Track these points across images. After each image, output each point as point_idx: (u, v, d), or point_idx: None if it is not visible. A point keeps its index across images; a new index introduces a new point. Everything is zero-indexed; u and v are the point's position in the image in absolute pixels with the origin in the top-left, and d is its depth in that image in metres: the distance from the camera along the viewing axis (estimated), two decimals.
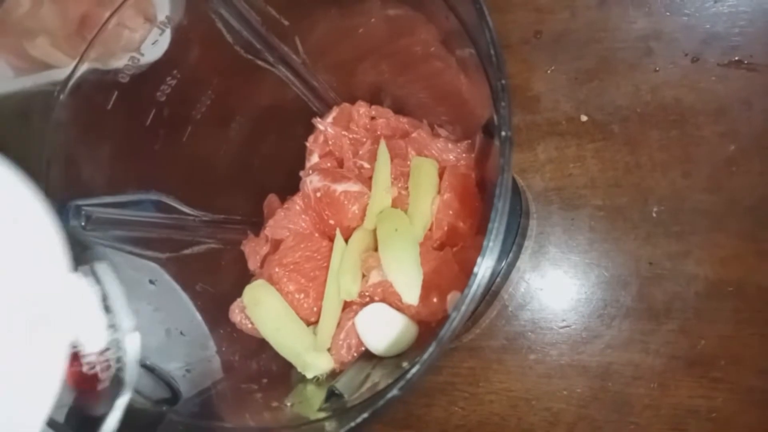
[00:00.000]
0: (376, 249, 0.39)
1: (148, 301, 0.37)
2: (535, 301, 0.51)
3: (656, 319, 0.47)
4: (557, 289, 0.51)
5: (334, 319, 0.38)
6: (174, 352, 0.32)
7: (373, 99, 0.47)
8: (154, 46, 0.39)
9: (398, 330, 0.35)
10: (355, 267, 0.38)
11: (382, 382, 0.31)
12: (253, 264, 0.45)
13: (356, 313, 0.37)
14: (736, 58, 0.48)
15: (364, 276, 0.38)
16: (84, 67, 0.38)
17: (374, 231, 0.39)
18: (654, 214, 0.49)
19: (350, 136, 0.45)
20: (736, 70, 0.48)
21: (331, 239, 0.41)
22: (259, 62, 0.42)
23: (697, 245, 0.47)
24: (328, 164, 0.45)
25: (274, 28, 0.41)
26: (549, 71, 0.53)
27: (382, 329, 0.36)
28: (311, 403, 0.34)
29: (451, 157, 0.41)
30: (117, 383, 0.25)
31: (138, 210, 0.40)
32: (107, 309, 0.25)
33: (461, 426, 0.51)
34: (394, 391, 0.21)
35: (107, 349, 0.25)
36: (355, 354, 0.37)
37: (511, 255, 0.47)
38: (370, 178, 0.42)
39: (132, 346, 0.25)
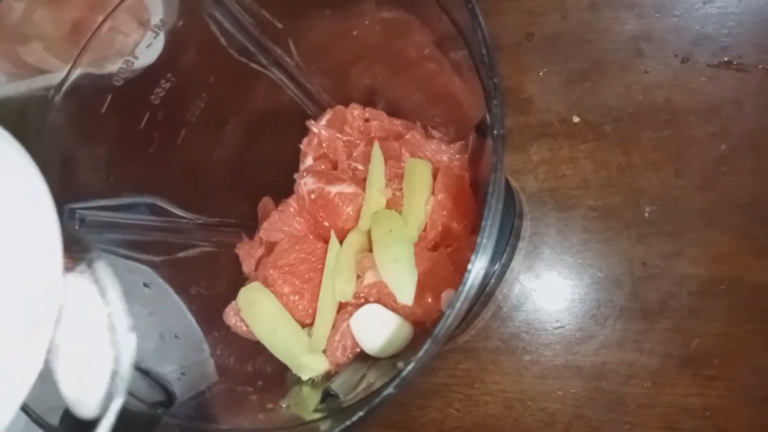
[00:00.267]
0: (370, 250, 0.39)
1: (143, 305, 0.37)
2: (529, 302, 0.51)
3: (650, 319, 0.48)
4: (551, 289, 0.51)
5: (329, 320, 0.38)
6: (169, 355, 0.32)
7: (367, 101, 0.47)
8: (149, 50, 0.39)
9: (393, 330, 0.36)
10: (350, 268, 0.38)
11: (377, 383, 0.31)
12: (247, 267, 0.45)
13: (351, 314, 0.37)
14: (726, 59, 0.48)
15: (358, 277, 0.38)
16: (78, 72, 0.38)
17: (369, 232, 0.39)
18: (647, 214, 0.49)
19: (344, 138, 0.45)
20: (726, 71, 0.48)
21: (326, 241, 0.41)
22: (253, 65, 0.42)
23: (690, 244, 0.48)
24: (323, 166, 0.45)
25: (268, 31, 0.41)
26: (541, 73, 0.53)
27: (377, 330, 0.36)
28: (306, 404, 0.34)
29: (445, 158, 0.41)
30: (112, 384, 0.25)
31: (132, 213, 0.40)
32: (106, 306, 0.25)
33: (457, 427, 0.51)
34: (390, 389, 0.21)
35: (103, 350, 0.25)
36: (351, 355, 0.37)
37: (504, 256, 0.47)
38: (365, 179, 0.42)
39: (128, 348, 0.25)
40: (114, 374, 0.24)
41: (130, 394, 0.29)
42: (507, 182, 0.49)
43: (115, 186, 0.39)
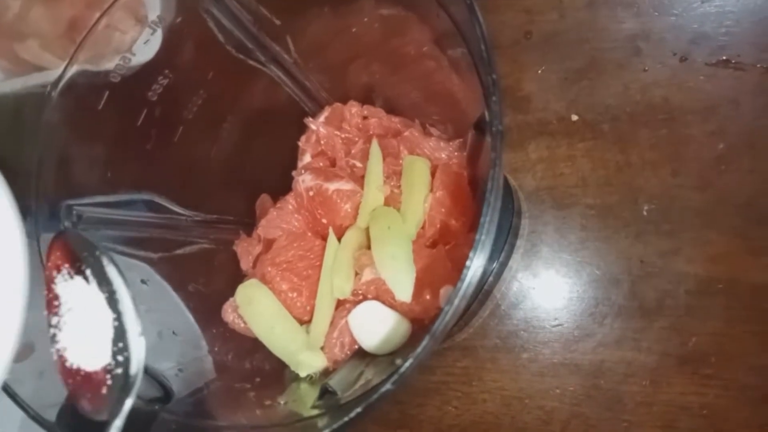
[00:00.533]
0: (368, 247, 0.39)
1: (140, 301, 0.36)
2: (527, 300, 0.51)
3: (648, 317, 0.48)
4: (549, 288, 0.51)
5: (327, 317, 0.38)
6: (166, 351, 0.32)
7: (365, 99, 0.47)
8: (146, 46, 0.39)
9: (391, 327, 0.35)
10: (348, 265, 0.38)
11: (375, 380, 0.31)
12: (245, 264, 0.45)
13: (349, 311, 0.37)
14: (724, 58, 0.48)
15: (357, 274, 0.38)
16: (74, 69, 0.38)
17: (367, 229, 0.39)
18: (645, 213, 0.49)
19: (342, 135, 0.45)
20: (724, 70, 0.48)
21: (324, 238, 0.41)
22: (251, 62, 0.42)
23: (688, 243, 0.48)
24: (321, 164, 0.45)
25: (266, 28, 0.41)
26: (539, 71, 0.53)
27: (376, 327, 0.36)
28: (304, 401, 0.34)
29: (443, 155, 0.41)
30: (121, 387, 0.25)
31: (130, 210, 0.40)
32: (114, 309, 0.25)
33: (455, 425, 0.51)
34: (388, 386, 0.21)
35: (113, 353, 0.25)
36: (349, 352, 0.37)
37: (503, 254, 0.47)
38: (363, 177, 0.42)
39: (138, 351, 0.25)
40: (123, 376, 0.24)
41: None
42: (505, 180, 0.49)
43: (112, 183, 0.39)
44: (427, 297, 0.35)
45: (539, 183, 0.52)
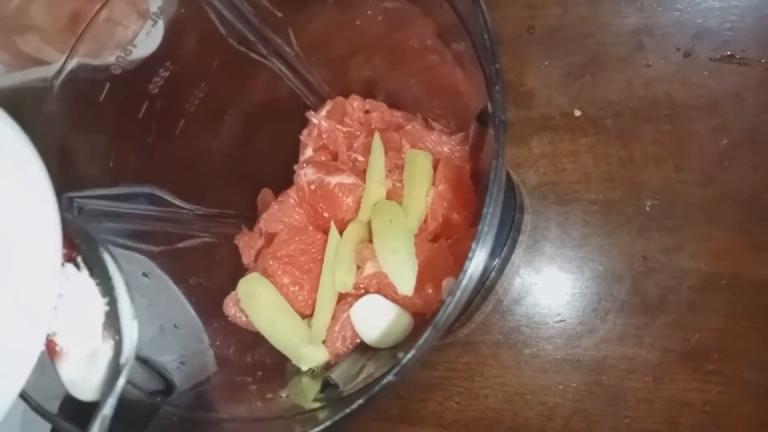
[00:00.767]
0: (370, 241, 0.39)
1: (142, 295, 0.36)
2: (529, 295, 0.51)
3: (650, 313, 0.48)
4: (552, 283, 0.51)
5: (329, 311, 0.38)
6: (168, 344, 0.32)
7: (367, 93, 0.47)
8: (147, 39, 0.39)
9: (393, 321, 0.35)
10: (350, 258, 0.38)
11: (377, 373, 0.31)
12: (247, 258, 0.45)
13: (351, 305, 0.37)
14: (728, 53, 0.48)
15: (358, 268, 0.38)
16: (75, 62, 0.38)
17: (369, 223, 0.39)
18: (647, 208, 0.49)
19: (344, 129, 0.45)
20: (728, 65, 0.48)
21: (326, 232, 0.41)
22: (253, 55, 0.42)
23: (691, 239, 0.47)
24: (323, 158, 0.45)
25: (268, 20, 0.41)
26: (542, 66, 0.53)
27: (378, 320, 0.36)
28: (306, 394, 0.34)
29: (446, 149, 0.41)
30: (113, 370, 0.25)
31: (131, 203, 0.40)
32: (106, 295, 0.26)
33: (457, 421, 0.51)
34: (390, 377, 0.21)
35: (104, 337, 0.25)
36: (350, 346, 0.37)
37: (505, 250, 0.47)
38: (365, 171, 0.42)
39: (130, 335, 0.25)
40: (116, 360, 0.25)
41: (129, 382, 0.29)
42: (508, 175, 0.49)
43: (113, 175, 0.39)
44: (429, 291, 0.35)
45: (542, 178, 0.52)
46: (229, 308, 0.41)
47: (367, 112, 0.46)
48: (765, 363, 0.45)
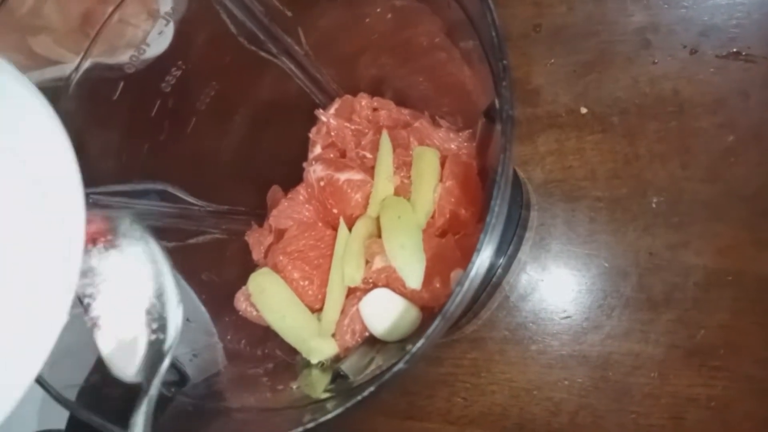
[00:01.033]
0: (379, 236, 0.39)
1: None
2: (536, 292, 0.52)
3: (656, 309, 0.48)
4: (558, 280, 0.51)
5: (339, 305, 0.39)
6: (182, 337, 0.32)
7: (375, 91, 0.47)
8: (160, 38, 0.39)
9: (401, 314, 0.36)
10: (359, 253, 0.38)
11: (386, 365, 0.31)
12: (257, 254, 0.45)
13: (360, 299, 0.38)
14: (734, 50, 0.48)
15: (367, 262, 0.39)
16: (89, 62, 0.39)
17: (377, 219, 0.40)
18: (653, 205, 0.49)
19: (352, 127, 0.45)
20: (734, 62, 0.48)
21: (335, 228, 0.41)
22: (263, 54, 0.42)
23: (696, 235, 0.48)
24: (331, 155, 0.45)
25: (278, 20, 0.41)
26: (548, 64, 0.53)
27: (386, 314, 0.36)
28: (316, 386, 0.34)
29: (453, 146, 0.41)
30: (156, 352, 0.26)
31: (144, 199, 0.41)
32: (153, 279, 0.27)
33: (463, 416, 0.52)
34: (401, 365, 0.22)
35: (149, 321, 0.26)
36: (359, 339, 0.38)
37: (512, 246, 0.47)
38: (373, 167, 0.42)
39: (175, 318, 0.26)
40: (160, 342, 0.26)
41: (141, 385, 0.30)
42: (514, 172, 0.50)
43: (127, 172, 0.40)
44: (437, 285, 0.36)
45: (548, 176, 0.52)
46: (240, 303, 0.41)
47: (375, 109, 0.46)
48: None
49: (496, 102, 0.25)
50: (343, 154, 0.46)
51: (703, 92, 0.49)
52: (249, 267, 0.44)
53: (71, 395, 0.27)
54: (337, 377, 0.32)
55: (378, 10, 0.40)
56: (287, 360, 0.38)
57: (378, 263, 0.37)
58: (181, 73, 0.40)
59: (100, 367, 0.29)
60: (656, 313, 0.48)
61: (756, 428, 0.45)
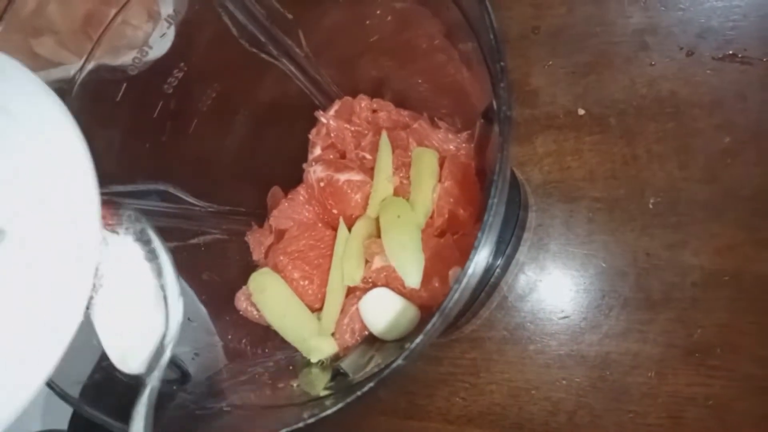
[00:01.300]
0: (378, 236, 0.40)
1: None
2: (534, 292, 0.52)
3: (654, 309, 0.48)
4: (556, 280, 0.51)
5: (338, 304, 0.39)
6: (183, 337, 0.32)
7: (375, 92, 0.48)
8: (162, 40, 0.40)
9: (400, 313, 0.36)
10: (359, 253, 0.39)
11: (384, 363, 0.32)
12: (257, 254, 0.46)
13: (360, 298, 0.38)
14: (731, 52, 0.49)
15: (367, 262, 0.39)
16: (92, 64, 0.39)
17: (377, 219, 0.40)
18: (651, 206, 0.49)
19: (352, 128, 0.46)
20: (731, 64, 0.49)
21: (335, 229, 0.42)
22: (264, 56, 0.43)
23: (694, 235, 0.48)
24: (331, 156, 0.46)
25: (279, 22, 0.41)
26: (547, 66, 0.54)
27: (385, 313, 0.36)
28: (316, 384, 0.35)
29: (452, 147, 0.41)
30: (159, 345, 0.27)
31: (145, 199, 0.41)
32: (155, 272, 0.27)
33: (462, 416, 0.52)
34: (399, 361, 0.22)
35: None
36: (359, 338, 0.38)
37: (510, 247, 0.48)
38: (372, 168, 0.43)
39: (176, 311, 0.27)
40: (163, 335, 0.26)
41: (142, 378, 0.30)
42: (513, 174, 0.50)
43: (128, 173, 0.40)
44: (436, 284, 0.36)
45: (546, 176, 0.53)
46: (241, 302, 0.42)
47: (374, 111, 0.47)
48: (766, 356, 0.45)
49: (494, 103, 0.25)
50: (342, 155, 0.46)
51: (700, 93, 0.49)
52: (249, 267, 0.45)
53: (75, 392, 0.27)
54: (337, 375, 0.33)
55: (378, 12, 0.40)
56: (287, 359, 0.38)
57: (377, 263, 0.37)
58: (182, 75, 0.40)
59: (102, 364, 0.29)
60: (654, 313, 0.48)
61: (754, 427, 0.45)
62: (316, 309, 0.41)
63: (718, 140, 0.48)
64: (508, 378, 0.51)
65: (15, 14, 0.39)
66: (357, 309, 0.37)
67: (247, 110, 0.46)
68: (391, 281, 0.38)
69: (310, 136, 0.48)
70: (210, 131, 0.44)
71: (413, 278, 0.36)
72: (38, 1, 0.40)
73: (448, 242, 0.38)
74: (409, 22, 0.40)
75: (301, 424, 0.23)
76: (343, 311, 0.39)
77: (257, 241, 0.46)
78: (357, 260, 0.39)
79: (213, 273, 0.42)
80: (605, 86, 0.52)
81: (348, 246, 0.39)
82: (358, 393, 0.21)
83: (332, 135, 0.46)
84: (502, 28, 0.54)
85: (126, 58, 0.40)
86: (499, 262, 0.47)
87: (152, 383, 0.26)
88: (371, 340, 0.38)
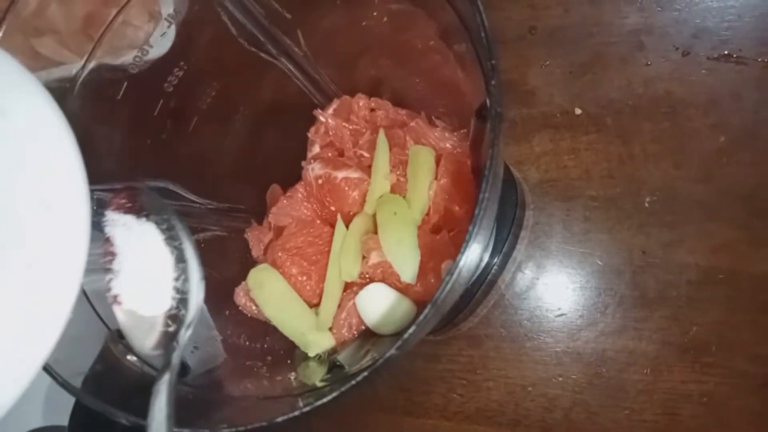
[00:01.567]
0: (375, 232, 0.40)
1: None
2: (531, 290, 0.52)
3: (649, 307, 0.49)
4: (553, 278, 0.52)
5: (336, 299, 0.40)
6: None
7: (373, 91, 0.48)
8: (163, 39, 0.40)
9: (396, 308, 0.37)
10: (356, 249, 0.39)
11: (380, 356, 0.32)
12: (256, 251, 0.46)
13: (357, 293, 0.39)
14: (726, 52, 0.49)
15: (364, 258, 0.40)
16: (93, 63, 0.39)
17: (374, 216, 0.41)
18: (647, 204, 0.50)
19: (350, 127, 0.46)
20: (726, 64, 0.49)
21: (332, 226, 0.42)
22: (263, 55, 0.43)
23: (689, 234, 0.48)
24: (329, 154, 0.46)
25: (278, 22, 0.42)
26: (544, 66, 0.54)
27: (382, 307, 0.37)
28: (313, 377, 0.35)
29: (448, 145, 0.42)
30: (176, 327, 0.27)
31: None
32: (176, 253, 0.28)
33: (459, 412, 0.53)
34: (393, 351, 0.23)
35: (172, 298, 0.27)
36: (356, 333, 0.38)
37: (507, 245, 0.48)
38: (370, 166, 0.43)
39: (198, 294, 0.27)
40: (182, 316, 0.27)
41: (147, 363, 0.31)
42: (510, 172, 0.50)
43: (129, 170, 0.41)
44: (431, 279, 0.37)
45: (543, 175, 0.53)
46: (240, 298, 0.42)
47: (372, 110, 0.47)
48: (762, 355, 0.46)
49: (487, 100, 0.26)
50: (341, 154, 0.46)
51: (695, 93, 0.50)
52: (248, 264, 0.45)
53: (77, 383, 0.28)
54: (334, 367, 0.33)
55: (375, 13, 0.40)
56: (285, 354, 0.39)
57: (374, 258, 0.38)
58: (183, 74, 0.41)
59: (105, 355, 0.30)
60: (650, 311, 0.49)
61: (748, 423, 0.45)
62: (314, 304, 0.41)
63: (713, 140, 0.49)
64: (504, 375, 0.52)
65: (17, 15, 0.40)
66: (354, 304, 0.38)
67: (247, 109, 0.46)
68: (388, 276, 0.38)
69: (309, 135, 0.48)
70: (210, 130, 0.45)
71: (409, 273, 0.36)
72: (39, 1, 0.41)
73: (443, 239, 0.38)
74: (405, 23, 0.41)
75: (296, 413, 0.23)
76: (340, 306, 0.39)
77: (256, 238, 0.46)
78: (354, 256, 0.39)
79: (212, 269, 0.43)
80: (602, 86, 0.53)
81: (345, 242, 0.40)
82: (353, 382, 0.22)
83: (331, 133, 0.47)
84: (499, 29, 0.55)
85: (127, 58, 0.41)
86: (496, 260, 0.47)
87: (174, 361, 0.27)
88: (368, 335, 0.38)
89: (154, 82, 0.40)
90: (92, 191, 0.37)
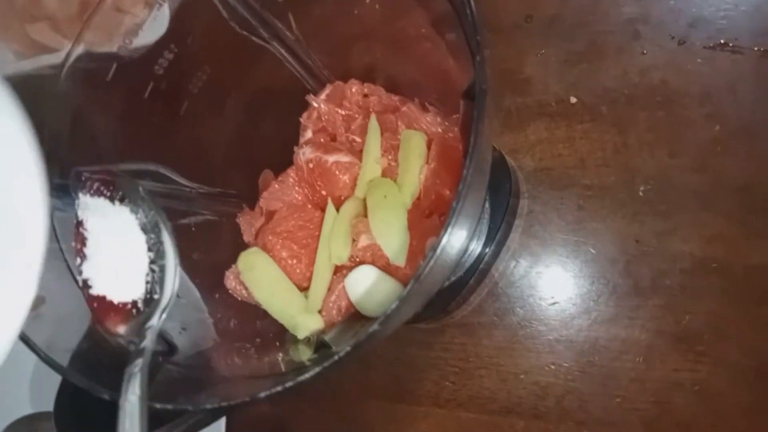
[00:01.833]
0: (366, 216, 0.40)
1: None
2: (524, 278, 0.52)
3: (642, 295, 0.49)
4: (546, 266, 0.52)
5: (326, 282, 0.39)
6: (171, 313, 0.33)
7: (366, 77, 0.48)
8: (155, 23, 0.40)
9: (385, 290, 0.37)
10: (346, 232, 0.39)
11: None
12: (248, 235, 0.46)
13: (346, 276, 0.39)
14: (722, 41, 0.49)
15: (354, 241, 0.40)
16: (81, 48, 0.39)
17: (364, 199, 0.40)
18: (641, 193, 0.50)
19: (343, 112, 0.46)
20: (722, 53, 0.49)
21: (323, 210, 0.42)
22: (255, 39, 0.43)
23: (684, 223, 0.48)
24: (322, 139, 0.46)
25: (269, 5, 0.42)
26: (539, 54, 0.54)
27: (371, 289, 0.37)
28: (300, 357, 0.35)
29: (440, 129, 0.42)
30: (150, 310, 0.27)
31: (137, 179, 0.41)
32: (153, 237, 0.28)
33: (452, 399, 0.53)
34: (375, 326, 0.23)
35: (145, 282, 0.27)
36: (345, 315, 0.38)
37: (500, 233, 0.48)
38: (361, 151, 0.43)
39: (171, 278, 0.27)
40: (157, 300, 0.27)
41: (131, 342, 0.30)
42: (504, 160, 0.50)
43: (120, 152, 0.40)
44: (420, 262, 0.37)
45: (538, 164, 0.53)
46: (230, 281, 0.42)
47: (365, 95, 0.47)
48: (753, 345, 0.46)
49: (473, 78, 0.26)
50: (333, 139, 0.46)
51: (691, 82, 0.50)
52: (240, 248, 0.45)
53: (63, 361, 0.28)
54: (321, 347, 0.33)
55: (366, 0, 0.40)
56: (275, 336, 0.39)
57: (363, 241, 0.38)
58: (173, 57, 0.40)
59: (91, 333, 0.30)
60: (643, 299, 0.49)
61: (740, 412, 0.45)
62: (304, 288, 0.41)
63: (708, 129, 0.49)
64: (497, 363, 0.52)
65: (11, 1, 0.40)
66: (343, 287, 0.38)
67: (239, 93, 0.46)
68: (377, 259, 0.38)
69: (302, 120, 0.48)
70: (201, 113, 0.45)
71: (398, 256, 0.36)
72: None
73: (434, 222, 0.38)
74: (397, 9, 0.40)
75: (279, 388, 0.23)
76: (330, 289, 0.39)
77: (248, 222, 0.46)
78: (344, 239, 0.39)
79: (203, 253, 0.43)
80: (597, 75, 0.52)
81: (335, 226, 0.40)
82: (335, 357, 0.22)
83: (323, 119, 0.47)
84: (495, 18, 0.55)
85: (115, 44, 0.40)
86: (489, 249, 0.47)
87: (146, 343, 0.26)
88: (357, 317, 0.38)
89: (144, 64, 0.40)
90: (81, 172, 0.37)
